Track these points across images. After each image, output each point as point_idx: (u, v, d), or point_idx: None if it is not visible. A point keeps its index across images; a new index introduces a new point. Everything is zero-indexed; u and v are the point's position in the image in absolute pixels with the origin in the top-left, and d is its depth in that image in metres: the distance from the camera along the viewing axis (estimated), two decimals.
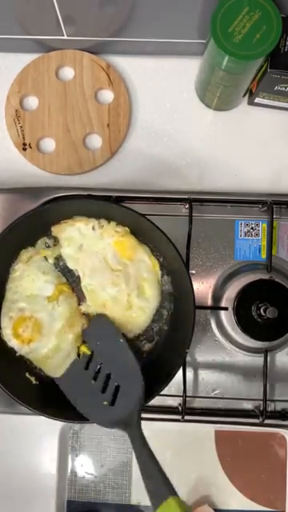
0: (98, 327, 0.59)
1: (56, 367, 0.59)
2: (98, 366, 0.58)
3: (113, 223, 0.62)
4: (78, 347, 0.60)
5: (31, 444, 0.67)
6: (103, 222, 0.62)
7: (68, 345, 0.59)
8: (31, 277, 0.61)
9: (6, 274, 0.62)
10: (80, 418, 0.56)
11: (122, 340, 0.57)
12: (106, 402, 0.55)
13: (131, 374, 0.55)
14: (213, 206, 0.67)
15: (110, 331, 0.58)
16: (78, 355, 0.59)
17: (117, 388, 0.55)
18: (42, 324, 0.59)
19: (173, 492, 0.46)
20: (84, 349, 0.59)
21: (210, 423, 0.66)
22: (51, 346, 0.59)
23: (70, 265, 0.63)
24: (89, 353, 0.59)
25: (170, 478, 0.67)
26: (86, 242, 0.62)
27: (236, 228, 0.67)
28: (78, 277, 0.62)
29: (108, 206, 0.61)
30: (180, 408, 0.63)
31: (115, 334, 0.58)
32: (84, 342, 0.60)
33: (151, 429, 0.67)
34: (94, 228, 0.62)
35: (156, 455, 0.68)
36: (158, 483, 0.47)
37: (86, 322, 0.61)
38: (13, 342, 0.59)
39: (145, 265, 0.62)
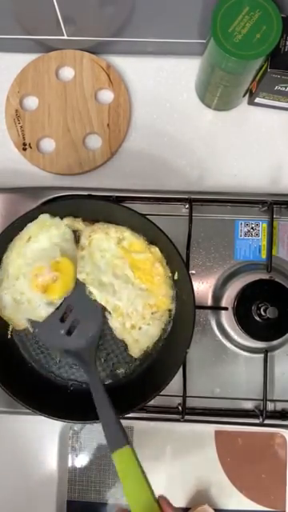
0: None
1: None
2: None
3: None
4: None
5: (31, 444, 0.67)
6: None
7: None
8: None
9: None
10: (80, 418, 0.56)
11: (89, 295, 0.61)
12: (62, 331, 0.60)
13: (92, 312, 0.61)
14: (213, 206, 0.67)
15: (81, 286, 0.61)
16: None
17: (75, 321, 0.60)
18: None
19: (128, 441, 0.51)
20: None
21: (210, 423, 0.66)
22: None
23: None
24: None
25: (171, 478, 0.67)
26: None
27: (236, 228, 0.67)
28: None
29: (108, 206, 0.61)
30: (180, 408, 0.63)
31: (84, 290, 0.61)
32: None
33: (151, 429, 0.68)
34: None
35: (156, 455, 0.68)
36: (115, 431, 0.51)
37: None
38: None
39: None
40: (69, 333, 0.60)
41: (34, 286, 0.60)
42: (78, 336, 0.60)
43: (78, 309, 0.61)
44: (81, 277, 0.61)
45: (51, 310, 0.61)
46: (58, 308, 0.61)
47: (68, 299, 0.61)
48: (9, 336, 0.63)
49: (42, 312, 0.61)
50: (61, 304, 0.61)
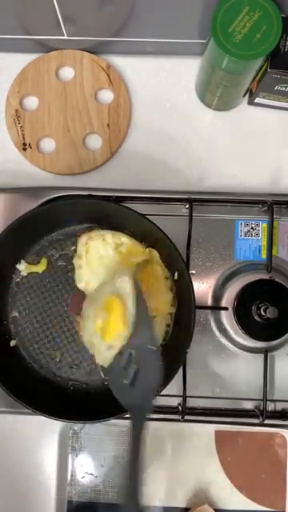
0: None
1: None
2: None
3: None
4: None
5: (31, 444, 0.67)
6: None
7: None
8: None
9: (7, 273, 0.62)
10: (80, 418, 0.56)
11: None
12: (126, 381, 0.52)
13: (151, 361, 0.52)
14: (213, 206, 0.67)
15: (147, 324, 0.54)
16: None
17: (137, 371, 0.52)
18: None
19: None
20: None
21: (210, 423, 0.66)
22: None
23: None
24: None
25: (171, 478, 0.67)
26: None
27: (236, 228, 0.67)
28: None
29: (108, 206, 0.61)
30: (180, 408, 0.63)
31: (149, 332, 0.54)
32: None
33: (151, 429, 0.68)
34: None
35: (156, 455, 0.68)
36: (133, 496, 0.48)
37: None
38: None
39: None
40: (132, 383, 0.52)
41: (96, 328, 0.54)
42: (138, 388, 0.52)
43: (138, 356, 0.52)
44: (80, 286, 0.61)
45: (111, 355, 0.54)
46: (122, 354, 0.53)
47: (131, 344, 0.52)
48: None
49: (107, 356, 0.54)
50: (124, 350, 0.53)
